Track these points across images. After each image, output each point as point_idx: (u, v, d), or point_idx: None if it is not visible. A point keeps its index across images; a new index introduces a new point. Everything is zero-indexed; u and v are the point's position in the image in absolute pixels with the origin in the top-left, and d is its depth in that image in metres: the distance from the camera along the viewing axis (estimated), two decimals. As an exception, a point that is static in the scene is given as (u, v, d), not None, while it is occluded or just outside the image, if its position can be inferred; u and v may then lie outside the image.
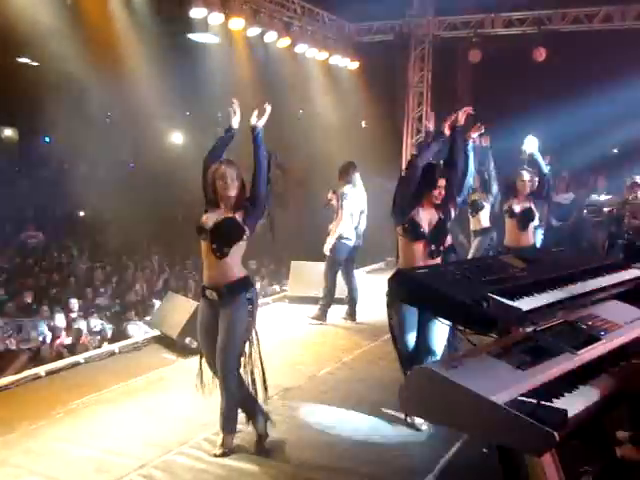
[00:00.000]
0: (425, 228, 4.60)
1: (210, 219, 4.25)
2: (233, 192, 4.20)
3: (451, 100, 12.62)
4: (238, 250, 4.26)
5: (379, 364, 6.06)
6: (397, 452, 4.37)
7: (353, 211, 7.53)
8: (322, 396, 5.35)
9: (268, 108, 4.41)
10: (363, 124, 17.30)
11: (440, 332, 4.49)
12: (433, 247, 4.60)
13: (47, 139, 23.55)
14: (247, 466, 4.16)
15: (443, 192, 4.64)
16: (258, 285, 11.38)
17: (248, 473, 4.09)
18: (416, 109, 12.70)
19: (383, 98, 13.49)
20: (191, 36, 11.62)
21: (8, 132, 26.22)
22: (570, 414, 2.06)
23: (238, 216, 4.20)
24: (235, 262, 4.26)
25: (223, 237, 4.19)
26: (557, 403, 2.12)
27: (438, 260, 4.64)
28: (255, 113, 4.34)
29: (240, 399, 4.37)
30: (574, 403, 2.15)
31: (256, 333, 4.37)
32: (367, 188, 7.83)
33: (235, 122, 4.44)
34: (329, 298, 7.73)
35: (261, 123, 4.34)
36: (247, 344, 4.33)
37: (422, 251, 4.61)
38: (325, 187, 8.10)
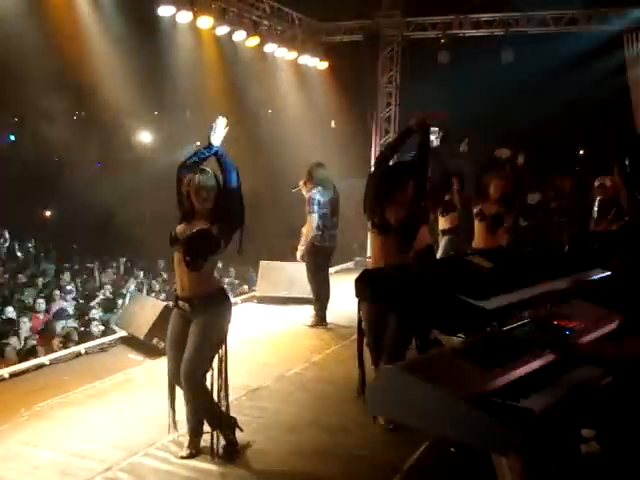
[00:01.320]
0: (394, 224, 4.63)
1: (184, 230, 4.19)
2: (209, 204, 4.14)
3: (420, 101, 12.66)
4: (211, 263, 4.22)
5: (348, 364, 6.00)
6: (365, 452, 4.37)
7: (325, 212, 7.44)
8: (290, 397, 5.35)
9: (221, 122, 4.27)
10: (332, 124, 17.32)
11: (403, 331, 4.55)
12: (401, 243, 4.62)
13: (12, 137, 23.21)
14: (214, 467, 4.14)
15: (410, 191, 4.66)
16: (225, 283, 11.35)
17: (215, 474, 4.08)
18: (385, 109, 12.75)
19: (352, 98, 13.52)
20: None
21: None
22: (536, 413, 2.07)
23: (213, 228, 4.13)
24: (208, 274, 4.23)
25: (197, 250, 4.12)
26: (523, 402, 2.13)
27: (407, 257, 4.65)
28: (212, 131, 4.23)
29: (204, 408, 4.32)
30: (540, 402, 2.16)
31: (225, 346, 4.33)
32: (336, 188, 7.78)
33: (215, 139, 4.26)
34: (320, 301, 7.64)
35: (217, 141, 4.24)
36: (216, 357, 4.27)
37: (390, 247, 4.64)
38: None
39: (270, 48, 11.28)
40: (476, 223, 6.70)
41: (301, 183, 7.62)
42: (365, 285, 2.36)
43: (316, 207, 7.35)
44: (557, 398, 2.28)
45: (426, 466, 4.05)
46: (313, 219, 7.36)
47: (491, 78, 11.42)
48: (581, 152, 19.06)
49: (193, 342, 4.18)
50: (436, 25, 12.06)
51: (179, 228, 4.22)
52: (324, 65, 12.48)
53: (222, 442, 4.32)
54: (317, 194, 7.39)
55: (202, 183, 4.11)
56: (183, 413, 4.33)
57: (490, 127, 11.00)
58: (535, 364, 2.43)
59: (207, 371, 4.27)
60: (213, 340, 4.23)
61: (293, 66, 12.54)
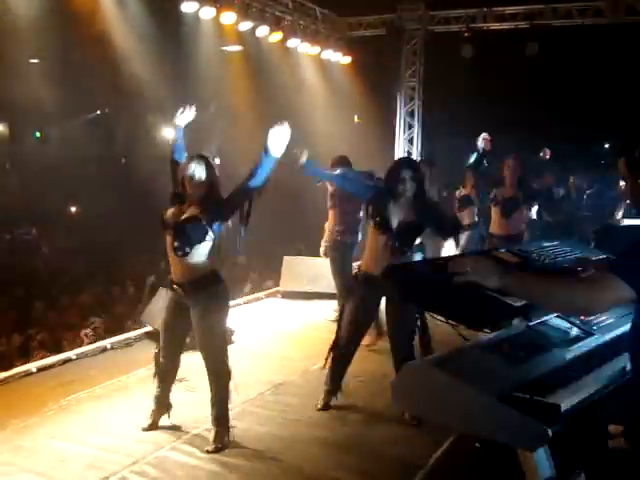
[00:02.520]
0: (393, 223, 4.61)
1: (175, 215, 4.21)
2: (199, 190, 4.13)
3: (444, 95, 12.61)
4: (203, 248, 4.20)
5: (372, 359, 6.05)
6: (389, 448, 4.37)
7: (347, 208, 7.35)
8: (314, 392, 5.32)
9: (282, 130, 4.19)
10: (355, 119, 17.27)
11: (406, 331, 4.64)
12: (397, 244, 4.59)
13: (38, 134, 23.44)
14: (240, 462, 4.15)
15: (408, 186, 4.61)
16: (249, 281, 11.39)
17: (241, 469, 4.08)
18: (408, 104, 12.69)
19: (375, 93, 13.48)
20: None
21: (-1, 127, 26.10)
22: (563, 409, 2.06)
23: (203, 216, 4.13)
24: (199, 259, 4.20)
25: (185, 237, 4.12)
26: (550, 398, 2.11)
27: (400, 258, 4.58)
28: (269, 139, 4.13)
29: (227, 399, 4.37)
30: (567, 398, 2.14)
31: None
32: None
33: (181, 120, 4.43)
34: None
35: (277, 152, 4.15)
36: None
37: (384, 245, 4.62)
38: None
39: (293, 43, 11.26)
40: (492, 209, 6.71)
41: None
42: (391, 281, 2.36)
43: (338, 202, 7.28)
44: (584, 394, 2.27)
45: (450, 462, 4.04)
46: (333, 215, 7.29)
47: (515, 72, 11.32)
48: (606, 146, 18.85)
49: (199, 328, 4.27)
50: (460, 18, 11.95)
51: (170, 212, 4.24)
52: (347, 60, 12.44)
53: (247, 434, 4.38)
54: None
55: (195, 169, 4.12)
56: (207, 408, 4.36)
57: (512, 122, 10.90)
58: (562, 359, 2.42)
59: (226, 346, 4.37)
60: (217, 325, 4.31)
61: (316, 61, 12.51)
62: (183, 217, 4.16)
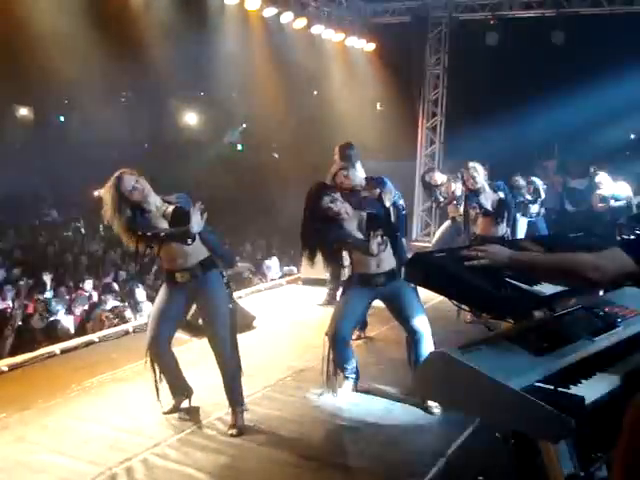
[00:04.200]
0: (359, 235, 4.77)
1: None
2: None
3: (468, 83, 12.50)
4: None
5: (392, 347, 6.05)
6: (409, 435, 4.38)
7: None
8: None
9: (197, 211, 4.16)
10: (378, 106, 17.19)
11: (420, 314, 4.70)
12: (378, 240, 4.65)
13: (61, 118, 23.61)
14: (260, 446, 4.18)
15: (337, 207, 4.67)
16: (271, 262, 11.39)
17: (260, 453, 4.11)
18: (432, 92, 12.61)
19: (399, 80, 13.38)
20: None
21: (24, 111, 26.30)
22: (587, 401, 2.05)
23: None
24: (199, 244, 4.30)
25: (186, 217, 4.17)
26: (574, 390, 2.11)
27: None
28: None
29: (240, 381, 4.42)
30: (591, 390, 2.14)
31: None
32: (380, 171, 7.74)
33: (196, 227, 4.15)
34: (336, 282, 7.70)
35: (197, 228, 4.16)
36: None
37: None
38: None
39: (317, 30, 11.24)
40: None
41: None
42: (415, 269, 2.36)
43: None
44: (608, 386, 2.26)
45: (471, 450, 4.04)
46: None
47: (541, 61, 11.18)
48: (632, 136, 18.60)
49: (207, 307, 4.37)
50: (485, 6, 11.84)
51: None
52: (371, 47, 12.39)
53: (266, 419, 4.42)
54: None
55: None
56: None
57: (541, 115, 10.79)
58: (586, 351, 2.41)
59: (234, 326, 4.41)
60: (223, 298, 4.37)
61: (340, 48, 12.47)
62: (170, 209, 4.27)
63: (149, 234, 4.23)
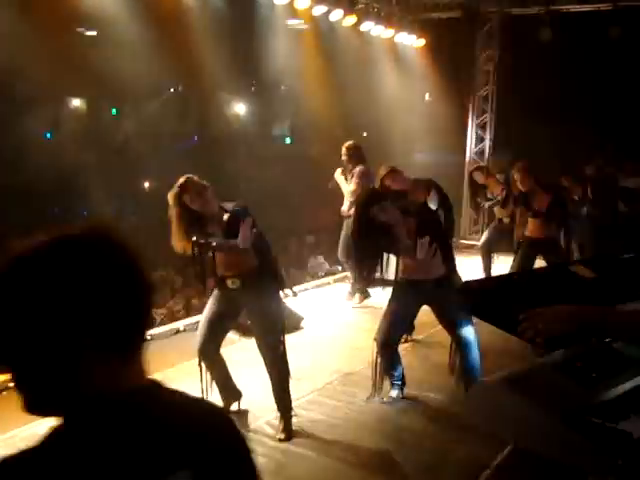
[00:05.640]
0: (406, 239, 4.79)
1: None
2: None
3: (519, 80, 12.34)
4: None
5: (438, 351, 6.06)
6: (455, 444, 4.41)
7: None
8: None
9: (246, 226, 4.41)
10: (427, 96, 17.09)
11: (466, 321, 4.73)
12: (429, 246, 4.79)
13: (114, 111, 23.99)
14: (306, 452, 4.27)
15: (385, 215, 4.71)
16: (317, 260, 11.46)
17: (307, 458, 4.20)
18: (482, 88, 12.48)
19: (449, 76, 13.28)
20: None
21: (76, 102, 26.83)
22: (636, 436, 2.05)
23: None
24: (251, 251, 4.41)
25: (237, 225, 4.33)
26: (622, 425, 2.11)
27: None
28: None
29: (288, 387, 4.50)
30: (640, 425, 2.13)
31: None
32: (430, 162, 7.85)
33: (242, 243, 4.38)
34: (362, 282, 7.75)
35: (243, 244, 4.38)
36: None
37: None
38: (385, 160, 8.02)
39: (367, 26, 11.21)
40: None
41: (337, 172, 7.61)
42: (466, 298, 2.38)
43: (364, 180, 7.35)
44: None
45: (514, 464, 4.05)
46: (355, 188, 7.36)
47: (595, 57, 10.97)
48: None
49: (257, 313, 4.49)
50: (538, 0, 11.64)
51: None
52: (421, 42, 12.31)
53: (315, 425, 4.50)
54: (365, 168, 7.45)
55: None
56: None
57: (595, 113, 10.58)
58: (636, 382, 2.39)
59: (282, 331, 4.52)
60: (274, 304, 4.51)
61: (389, 44, 12.41)
62: (227, 216, 4.38)
63: (202, 241, 4.34)
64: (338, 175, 7.61)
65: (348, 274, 8.02)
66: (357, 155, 7.58)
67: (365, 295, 7.77)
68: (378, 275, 5.02)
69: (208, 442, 1.20)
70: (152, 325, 7.28)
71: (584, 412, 2.17)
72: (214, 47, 14.70)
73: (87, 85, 21.32)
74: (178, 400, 1.25)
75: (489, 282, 2.54)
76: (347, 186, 7.49)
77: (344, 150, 7.53)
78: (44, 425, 3.53)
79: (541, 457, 2.21)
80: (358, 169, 7.43)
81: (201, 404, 1.35)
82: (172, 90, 23.84)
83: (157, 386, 1.24)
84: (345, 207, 7.54)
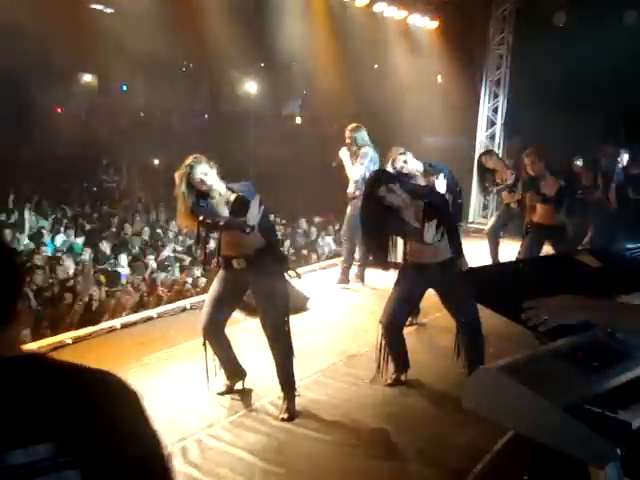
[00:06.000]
0: (414, 223, 4.80)
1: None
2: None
3: (533, 64, 12.22)
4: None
5: (443, 335, 6.07)
6: (455, 428, 4.40)
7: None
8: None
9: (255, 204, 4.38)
10: (439, 79, 17.01)
11: (471, 306, 4.67)
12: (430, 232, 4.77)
13: (125, 87, 23.98)
14: (309, 432, 4.29)
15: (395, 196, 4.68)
16: (325, 241, 11.49)
17: (309, 438, 4.23)
18: (495, 72, 12.39)
19: (462, 58, 13.19)
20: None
21: (88, 78, 26.82)
22: (635, 426, 2.05)
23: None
24: (257, 232, 4.40)
25: (245, 208, 4.31)
26: (622, 414, 2.11)
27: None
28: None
29: (292, 367, 4.53)
30: None
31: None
32: (439, 145, 7.82)
33: (252, 220, 4.35)
34: (350, 259, 7.77)
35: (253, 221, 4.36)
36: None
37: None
38: (401, 141, 8.00)
39: (380, 7, 11.13)
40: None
41: (342, 151, 7.58)
42: (470, 285, 2.39)
43: (366, 161, 7.31)
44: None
45: (517, 449, 4.06)
46: (358, 170, 7.34)
47: (612, 43, 10.83)
48: None
49: (263, 293, 4.49)
50: (554, -17, 11.53)
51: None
52: (434, 24, 12.21)
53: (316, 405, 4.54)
54: (370, 150, 7.39)
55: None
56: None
57: (607, 98, 10.48)
58: (637, 371, 2.40)
59: (287, 313, 4.53)
60: (279, 285, 4.51)
61: (402, 25, 12.33)
62: (232, 197, 4.36)
63: (209, 221, 4.35)
64: (343, 153, 7.54)
65: (343, 255, 7.99)
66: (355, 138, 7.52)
67: (361, 280, 7.78)
68: (386, 259, 5.00)
69: (82, 416, 1.18)
70: (25, 298, 7.27)
71: (584, 401, 2.18)
72: (226, 26, 14.65)
73: (98, 60, 21.34)
74: (57, 372, 1.24)
75: (493, 269, 2.54)
76: (352, 167, 7.45)
77: (347, 133, 7.48)
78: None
79: (541, 445, 2.24)
80: (363, 150, 7.38)
81: (91, 377, 1.29)
82: (184, 69, 23.81)
83: (34, 359, 1.24)
84: (351, 189, 7.52)
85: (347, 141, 7.48)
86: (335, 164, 7.73)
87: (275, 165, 18.91)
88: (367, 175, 7.16)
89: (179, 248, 11.01)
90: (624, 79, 11.16)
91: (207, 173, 4.30)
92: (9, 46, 14.10)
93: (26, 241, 10.53)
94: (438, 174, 6.31)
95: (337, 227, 12.98)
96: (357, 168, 7.36)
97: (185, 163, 4.34)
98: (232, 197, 4.40)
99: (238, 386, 4.83)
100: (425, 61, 13.39)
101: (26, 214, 11.52)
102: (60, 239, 11.02)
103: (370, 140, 7.55)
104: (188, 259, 10.63)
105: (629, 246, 3.08)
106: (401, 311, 4.97)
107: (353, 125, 7.56)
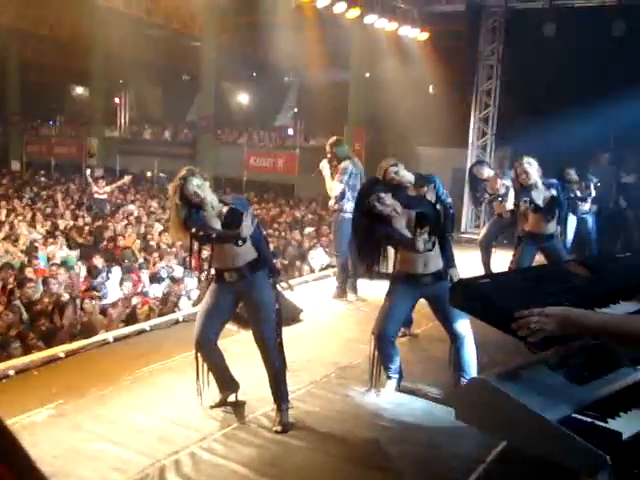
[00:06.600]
0: (406, 233, 4.84)
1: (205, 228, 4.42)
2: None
3: (523, 75, 12.31)
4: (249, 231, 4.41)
5: (436, 345, 6.08)
6: (449, 438, 4.41)
7: (355, 184, 7.25)
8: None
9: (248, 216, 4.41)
10: (431, 89, 17.11)
11: (462, 317, 4.71)
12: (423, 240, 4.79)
13: (117, 99, 24.00)
14: (303, 444, 4.28)
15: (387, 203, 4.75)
16: (317, 252, 11.46)
17: (303, 450, 4.21)
18: (485, 82, 12.47)
19: (452, 69, 13.29)
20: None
21: (80, 90, 26.90)
22: (625, 436, 2.07)
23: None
24: (249, 245, 4.43)
25: (238, 220, 4.34)
26: (612, 424, 2.13)
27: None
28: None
29: (285, 378, 4.52)
30: (629, 424, 2.15)
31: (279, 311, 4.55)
32: (431, 155, 7.84)
33: (245, 231, 4.38)
34: (343, 274, 7.76)
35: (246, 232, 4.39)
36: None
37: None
38: (392, 151, 8.03)
39: (370, 19, 11.21)
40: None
41: (323, 163, 7.56)
42: (458, 295, 2.41)
43: (346, 177, 7.25)
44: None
45: (511, 458, 4.07)
46: (337, 187, 7.28)
47: (599, 53, 10.93)
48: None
49: (254, 306, 4.49)
50: (543, -5, 11.61)
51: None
52: (424, 36, 12.29)
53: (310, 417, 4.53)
54: (350, 165, 7.31)
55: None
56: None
57: (597, 105, 10.54)
58: (627, 381, 2.42)
59: (278, 325, 4.52)
60: (270, 298, 4.50)
61: (393, 36, 12.42)
62: (225, 209, 4.39)
63: (201, 233, 4.36)
64: (324, 165, 7.51)
65: (335, 269, 7.98)
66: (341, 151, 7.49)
67: (354, 292, 7.77)
68: (378, 269, 5.02)
69: None
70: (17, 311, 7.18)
71: (575, 411, 2.19)
72: (219, 38, 14.72)
73: (90, 73, 21.40)
74: None
75: (484, 279, 2.56)
76: (331, 183, 7.41)
77: (328, 148, 7.43)
78: (44, 413, 3.55)
79: (533, 455, 2.25)
80: (342, 165, 7.34)
81: None
82: (177, 82, 23.89)
83: None
84: (331, 202, 7.50)
85: (328, 156, 7.44)
86: (314, 175, 7.73)
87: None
88: (347, 190, 7.22)
89: (172, 260, 10.95)
90: (613, 89, 11.24)
91: (200, 185, 4.31)
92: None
93: (19, 253, 10.48)
94: (429, 184, 6.34)
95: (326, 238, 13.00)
96: (336, 185, 7.31)
97: (178, 175, 4.35)
98: (225, 210, 4.41)
99: (231, 399, 4.82)
100: (416, 71, 13.49)
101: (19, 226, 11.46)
102: (52, 252, 10.97)
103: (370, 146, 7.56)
104: (181, 271, 10.58)
105: (619, 256, 3.10)
106: (393, 321, 4.97)
107: (333, 139, 7.49)
